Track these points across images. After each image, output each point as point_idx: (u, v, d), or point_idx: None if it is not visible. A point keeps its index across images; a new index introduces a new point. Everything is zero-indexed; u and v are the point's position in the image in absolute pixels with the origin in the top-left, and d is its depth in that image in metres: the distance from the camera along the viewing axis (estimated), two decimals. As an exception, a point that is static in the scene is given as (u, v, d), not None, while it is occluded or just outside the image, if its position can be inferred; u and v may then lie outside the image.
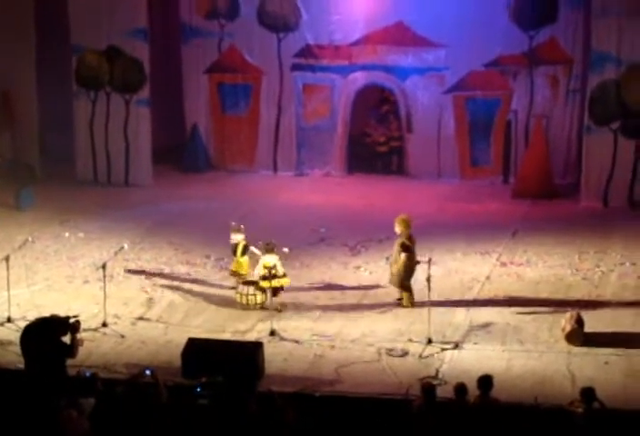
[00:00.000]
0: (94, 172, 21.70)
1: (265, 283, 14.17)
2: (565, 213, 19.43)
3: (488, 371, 11.11)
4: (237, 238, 14.78)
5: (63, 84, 21.52)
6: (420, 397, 10.51)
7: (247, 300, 14.30)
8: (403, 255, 14.23)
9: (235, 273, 14.81)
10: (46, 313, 11.73)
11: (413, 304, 14.32)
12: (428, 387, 10.59)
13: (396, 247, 14.38)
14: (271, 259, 14.30)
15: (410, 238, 14.37)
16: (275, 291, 14.29)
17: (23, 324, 11.83)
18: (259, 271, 14.32)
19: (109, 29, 21.05)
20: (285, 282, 14.43)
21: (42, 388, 10.69)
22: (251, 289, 14.31)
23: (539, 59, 21.15)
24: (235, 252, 14.80)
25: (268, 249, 14.39)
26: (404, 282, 14.33)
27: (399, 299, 14.50)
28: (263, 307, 14.24)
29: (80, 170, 21.75)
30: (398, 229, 14.44)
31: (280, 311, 14.11)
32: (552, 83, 21.30)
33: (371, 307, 14.48)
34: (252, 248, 14.72)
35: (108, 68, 21.25)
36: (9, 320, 13.58)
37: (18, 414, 10.51)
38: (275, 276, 14.20)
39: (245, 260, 14.77)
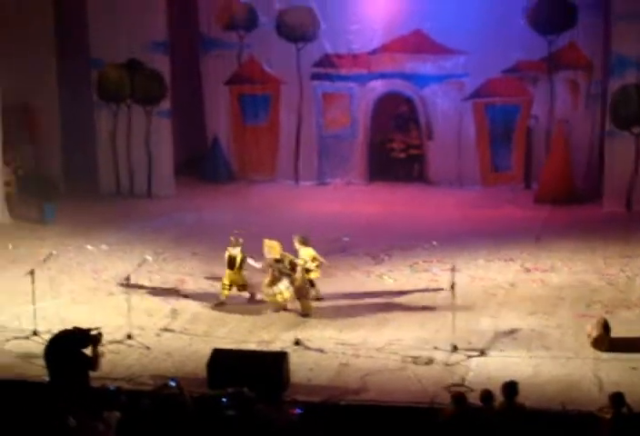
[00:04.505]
0: (116, 184, 21.83)
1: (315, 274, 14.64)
2: (588, 218, 19.37)
3: (514, 377, 11.06)
4: (236, 251, 14.81)
5: (84, 98, 21.64)
6: (451, 406, 10.46)
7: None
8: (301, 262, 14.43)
9: (233, 285, 14.86)
10: (71, 326, 11.75)
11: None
12: (459, 396, 10.54)
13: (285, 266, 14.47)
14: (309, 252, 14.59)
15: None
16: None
17: (48, 337, 11.86)
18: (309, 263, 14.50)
19: (129, 43, 21.19)
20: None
21: (66, 401, 10.71)
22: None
23: (559, 64, 21.13)
24: (231, 266, 14.81)
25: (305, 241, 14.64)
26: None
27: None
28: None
29: (102, 182, 21.88)
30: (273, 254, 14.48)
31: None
32: (572, 88, 21.26)
33: (395, 315, 14.46)
34: (249, 260, 14.86)
35: (129, 81, 21.38)
36: (35, 333, 13.63)
37: (43, 427, 10.53)
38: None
39: (242, 272, 14.90)
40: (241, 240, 14.91)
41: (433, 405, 11.24)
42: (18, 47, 20.39)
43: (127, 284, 13.98)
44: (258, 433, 10.25)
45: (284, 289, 14.34)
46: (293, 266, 14.43)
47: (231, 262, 14.87)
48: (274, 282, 14.42)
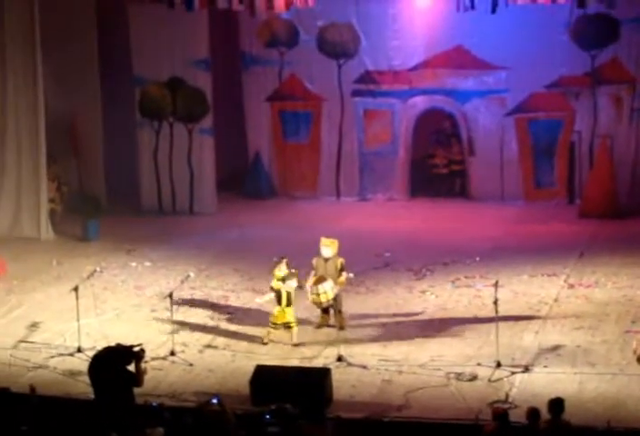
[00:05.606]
0: (158, 201, 21.93)
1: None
2: (632, 233, 19.17)
3: (559, 394, 10.96)
4: (293, 285, 14.09)
5: (126, 116, 21.82)
6: (493, 422, 10.38)
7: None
8: (345, 274, 14.27)
9: (286, 324, 14.06)
10: (115, 343, 11.80)
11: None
12: (501, 413, 10.45)
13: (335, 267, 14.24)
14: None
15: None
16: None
17: (92, 354, 11.92)
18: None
19: (171, 60, 21.35)
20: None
21: (109, 418, 10.75)
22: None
23: (602, 79, 20.99)
24: (289, 302, 13.99)
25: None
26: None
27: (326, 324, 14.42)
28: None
29: (145, 199, 21.99)
30: (330, 251, 14.32)
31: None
32: (615, 102, 21.11)
33: (438, 331, 14.39)
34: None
35: (171, 99, 21.53)
36: (79, 350, 13.71)
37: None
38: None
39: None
40: (294, 270, 14.21)
41: (478, 422, 11.15)
42: (63, 66, 20.61)
43: (170, 301, 14.02)
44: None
45: (329, 289, 14.04)
46: (342, 269, 14.28)
47: (288, 298, 14.04)
48: (319, 281, 14.16)
